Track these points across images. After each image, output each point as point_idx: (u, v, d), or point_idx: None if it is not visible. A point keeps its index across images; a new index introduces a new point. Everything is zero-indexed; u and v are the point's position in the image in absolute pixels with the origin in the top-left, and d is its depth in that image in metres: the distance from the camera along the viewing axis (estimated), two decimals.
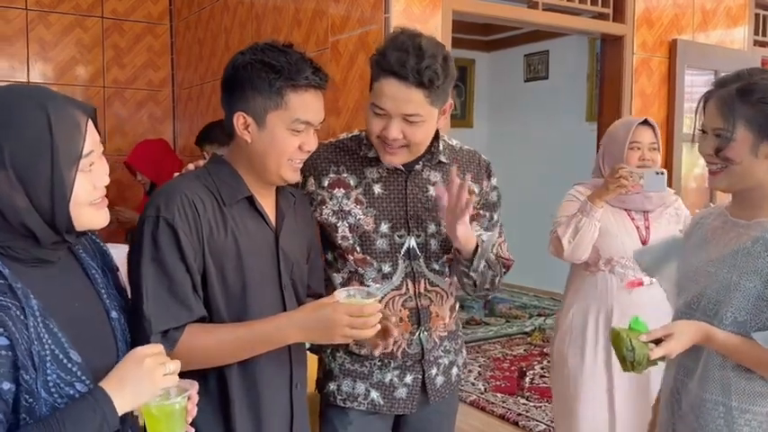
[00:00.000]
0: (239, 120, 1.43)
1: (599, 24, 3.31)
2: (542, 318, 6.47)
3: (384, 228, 1.71)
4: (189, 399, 1.18)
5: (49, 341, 1.08)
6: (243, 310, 1.43)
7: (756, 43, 4.01)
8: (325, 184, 1.71)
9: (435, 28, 2.71)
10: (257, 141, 1.43)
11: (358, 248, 1.70)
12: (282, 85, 1.40)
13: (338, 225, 1.70)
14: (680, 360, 1.55)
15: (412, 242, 1.72)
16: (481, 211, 1.82)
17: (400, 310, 1.74)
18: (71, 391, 1.09)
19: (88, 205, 1.14)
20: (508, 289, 7.57)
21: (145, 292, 1.33)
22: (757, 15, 3.99)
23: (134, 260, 1.38)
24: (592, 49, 6.47)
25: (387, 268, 1.72)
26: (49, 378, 1.07)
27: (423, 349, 1.78)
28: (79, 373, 1.11)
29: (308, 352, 1.70)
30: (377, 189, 1.71)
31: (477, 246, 1.68)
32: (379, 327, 1.40)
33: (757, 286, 1.42)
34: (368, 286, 1.69)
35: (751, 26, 3.93)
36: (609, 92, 3.39)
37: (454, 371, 1.90)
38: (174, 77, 4.82)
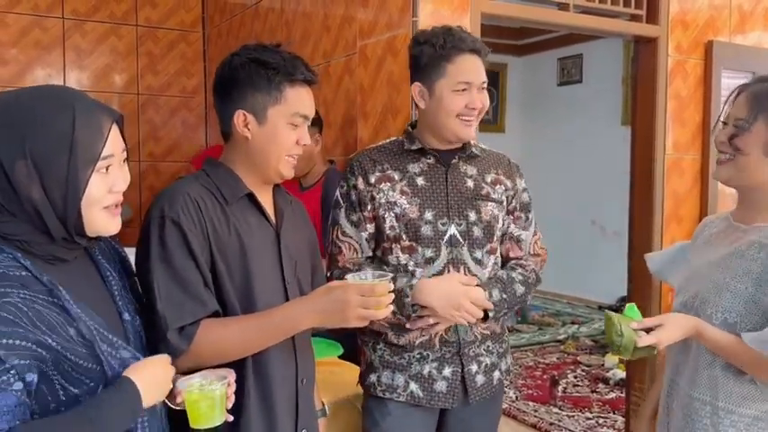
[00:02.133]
0: (239, 118, 1.49)
1: (632, 26, 3.24)
2: (576, 326, 6.37)
3: (428, 215, 1.84)
4: (228, 385, 1.22)
5: (90, 321, 1.13)
6: (251, 305, 1.45)
7: None
8: (372, 180, 1.87)
9: None
10: (258, 137, 1.49)
11: (404, 236, 1.84)
12: (281, 80, 1.47)
13: (386, 216, 1.85)
14: (673, 359, 1.62)
15: (453, 230, 1.84)
16: (517, 212, 1.98)
17: None
18: (125, 355, 1.16)
19: (101, 209, 1.16)
20: (541, 296, 7.48)
21: (157, 291, 1.35)
22: None
23: (143, 262, 1.40)
24: (627, 52, 6.37)
25: (430, 253, 1.83)
26: (104, 348, 1.12)
27: (460, 340, 1.84)
28: (125, 353, 1.17)
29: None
30: (420, 181, 1.87)
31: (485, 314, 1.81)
32: (392, 307, 1.42)
33: (748, 288, 1.45)
34: (412, 273, 1.81)
35: None
36: (643, 95, 3.32)
37: (496, 374, 1.93)
38: (206, 84, 4.87)
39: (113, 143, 1.16)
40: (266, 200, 1.57)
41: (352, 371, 2.54)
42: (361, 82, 2.93)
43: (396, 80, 2.70)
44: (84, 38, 4.49)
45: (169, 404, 1.27)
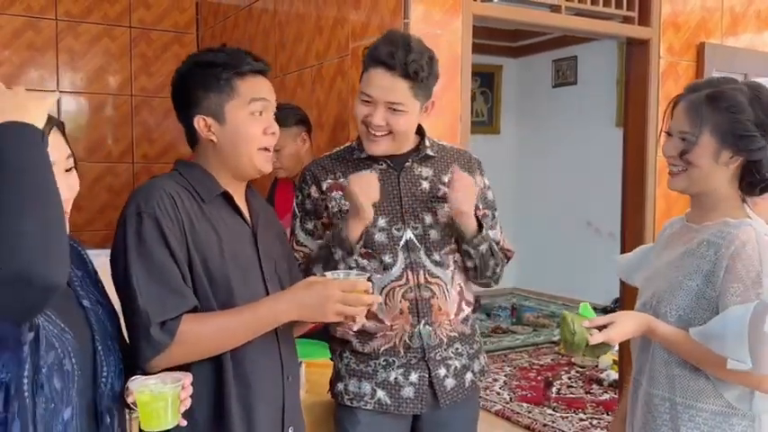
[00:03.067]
0: (200, 123, 1.48)
1: (624, 28, 3.25)
2: None
3: (381, 222, 1.82)
4: (183, 388, 1.19)
5: (41, 317, 1.10)
6: (230, 302, 1.44)
7: None
8: (324, 188, 1.86)
9: (456, 33, 2.69)
10: (223, 137, 1.48)
11: (359, 243, 1.78)
12: (229, 76, 1.47)
13: (339, 224, 1.80)
14: (637, 358, 1.65)
15: (409, 234, 1.83)
16: (481, 210, 1.93)
17: (400, 302, 1.81)
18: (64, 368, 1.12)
19: None
20: (536, 297, 7.49)
21: (137, 287, 1.34)
22: None
23: (120, 259, 1.38)
24: (621, 53, 6.38)
25: (387, 259, 1.82)
26: (48, 354, 1.09)
27: (424, 344, 1.82)
28: (69, 349, 1.14)
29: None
30: None
31: (479, 227, 1.83)
32: (372, 302, 1.43)
33: (699, 285, 1.49)
34: (369, 280, 1.73)
35: None
36: (634, 97, 3.33)
37: (468, 376, 1.91)
38: None
39: (54, 149, 1.14)
40: (240, 199, 1.57)
41: None
42: (354, 83, 2.92)
43: None
44: (78, 39, 4.48)
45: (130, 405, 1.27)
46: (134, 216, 1.38)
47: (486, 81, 7.56)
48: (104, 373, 1.22)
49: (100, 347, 1.22)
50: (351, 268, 1.79)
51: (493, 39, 7.05)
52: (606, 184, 5.62)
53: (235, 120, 1.48)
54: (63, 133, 1.20)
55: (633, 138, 3.35)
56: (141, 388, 1.18)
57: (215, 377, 1.43)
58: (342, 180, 1.83)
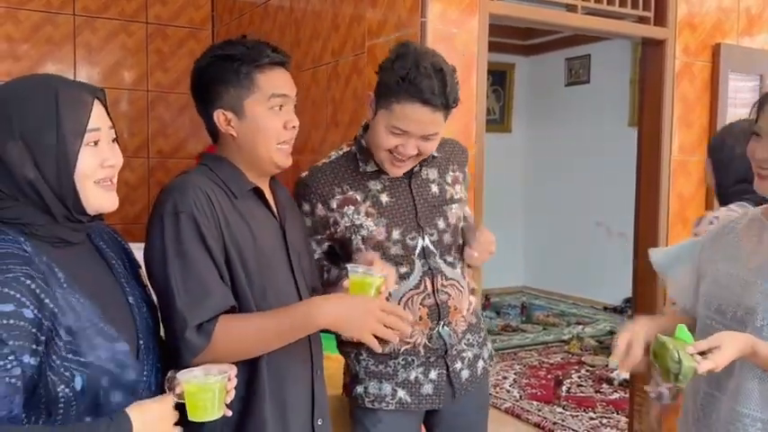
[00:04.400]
0: (220, 117, 1.47)
1: (640, 28, 3.25)
2: (581, 326, 6.38)
3: (396, 234, 1.78)
4: (228, 380, 1.22)
5: (86, 310, 1.14)
6: (264, 298, 1.45)
7: None
8: (334, 206, 1.78)
9: (472, 32, 2.70)
10: (242, 132, 1.48)
11: (380, 256, 1.74)
12: (249, 69, 1.45)
13: (352, 239, 1.77)
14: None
15: (426, 241, 1.80)
16: (465, 196, 1.95)
17: (419, 309, 1.80)
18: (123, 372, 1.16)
19: (94, 184, 1.18)
20: (546, 296, 7.49)
21: (175, 287, 1.34)
22: None
23: (157, 258, 1.37)
24: (635, 53, 6.37)
25: (403, 269, 1.78)
26: (95, 342, 1.12)
27: (445, 344, 1.84)
28: (119, 346, 1.17)
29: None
30: (384, 198, 1.79)
31: None
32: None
33: None
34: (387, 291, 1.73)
35: None
36: (650, 97, 3.33)
37: (480, 364, 1.95)
38: None
39: (98, 117, 1.18)
40: (267, 193, 1.57)
41: None
42: (370, 81, 2.94)
43: None
44: (95, 34, 4.52)
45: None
46: (171, 215, 1.37)
47: (498, 79, 7.55)
48: (145, 372, 1.24)
49: (142, 345, 1.24)
50: None
51: (505, 37, 7.04)
52: (617, 183, 5.62)
53: (254, 114, 1.46)
54: (104, 104, 1.22)
55: (648, 138, 3.35)
56: (189, 378, 1.20)
57: (249, 369, 1.44)
58: (352, 193, 1.77)
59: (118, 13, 4.56)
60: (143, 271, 1.39)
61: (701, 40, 3.38)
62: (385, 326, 1.40)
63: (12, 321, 1.04)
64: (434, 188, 1.84)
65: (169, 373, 1.31)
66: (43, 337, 1.08)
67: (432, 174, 1.85)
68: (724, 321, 1.46)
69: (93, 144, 1.17)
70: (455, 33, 2.67)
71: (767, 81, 3.63)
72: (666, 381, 1.33)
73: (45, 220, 1.15)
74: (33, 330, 1.07)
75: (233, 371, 1.23)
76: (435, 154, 1.85)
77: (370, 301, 1.39)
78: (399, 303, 1.78)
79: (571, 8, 3.03)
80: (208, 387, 1.19)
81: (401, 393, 1.83)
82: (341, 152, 1.86)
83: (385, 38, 2.83)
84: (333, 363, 2.51)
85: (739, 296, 1.45)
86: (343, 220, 1.77)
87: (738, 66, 3.47)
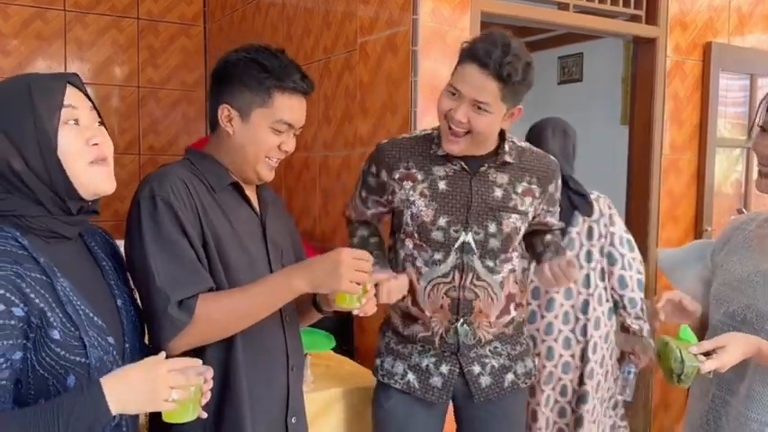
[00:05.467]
0: (224, 111, 1.50)
1: (631, 27, 3.26)
2: None
3: (442, 221, 1.83)
4: (205, 381, 1.21)
5: (79, 303, 1.14)
6: (239, 285, 1.46)
7: None
8: (396, 176, 1.87)
9: (464, 29, 2.70)
10: (239, 134, 1.50)
11: (416, 235, 1.85)
12: (272, 85, 1.47)
13: (404, 212, 1.87)
14: (719, 374, 1.44)
15: (468, 238, 1.83)
16: (550, 208, 1.97)
17: (442, 297, 1.84)
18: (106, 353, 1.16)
19: (85, 164, 1.17)
20: None
21: (154, 268, 1.35)
22: None
23: (135, 243, 1.38)
24: (627, 51, 6.38)
25: (438, 256, 1.84)
26: (90, 333, 1.13)
27: (459, 342, 1.86)
28: (111, 339, 1.18)
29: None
30: (441, 185, 1.84)
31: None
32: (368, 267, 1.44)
33: None
34: (419, 270, 1.85)
35: None
36: (641, 95, 3.34)
37: (509, 377, 1.94)
38: (207, 78, 4.87)
39: (73, 96, 1.18)
40: (250, 190, 1.59)
41: (347, 365, 2.57)
42: (361, 78, 2.94)
43: (395, 77, 2.72)
44: (86, 30, 4.49)
45: None
46: (148, 199, 1.39)
47: None
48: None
49: (128, 347, 1.24)
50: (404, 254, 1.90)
51: None
52: (609, 180, 5.62)
53: (256, 125, 1.49)
54: (80, 89, 1.22)
55: (639, 136, 3.36)
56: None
57: (223, 366, 1.45)
58: (414, 171, 1.85)
59: (109, 8, 4.54)
60: (129, 274, 1.39)
61: (692, 38, 3.40)
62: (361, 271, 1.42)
63: (2, 322, 1.05)
64: (498, 192, 1.84)
65: None
66: (32, 335, 1.09)
67: (501, 178, 1.85)
68: (734, 324, 1.44)
69: (73, 122, 1.17)
70: (447, 31, 2.67)
71: (758, 80, 3.65)
72: (669, 381, 1.32)
73: (38, 211, 1.15)
74: (23, 326, 1.08)
75: (209, 373, 1.23)
76: (510, 160, 1.85)
77: (339, 251, 1.40)
78: (426, 287, 1.85)
79: (563, 6, 3.04)
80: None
81: (410, 376, 1.91)
82: (424, 132, 1.93)
83: (377, 35, 2.83)
84: (321, 361, 2.51)
85: (750, 298, 1.44)
86: (400, 193, 1.86)
87: (729, 64, 3.48)
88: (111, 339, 1.18)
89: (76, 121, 1.17)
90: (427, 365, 1.90)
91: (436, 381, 1.89)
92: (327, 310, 1.62)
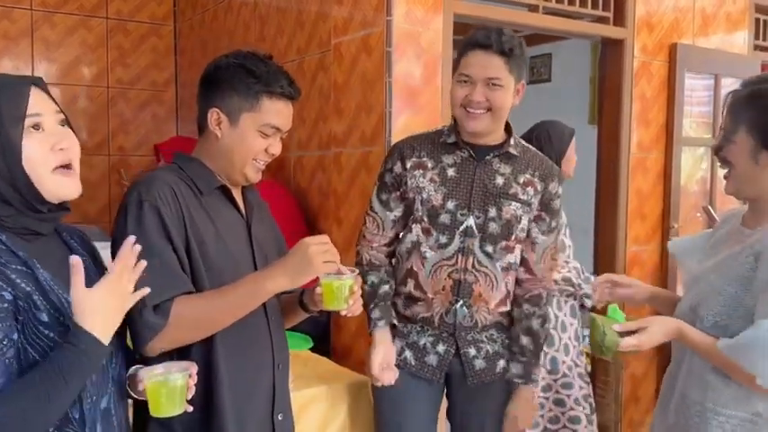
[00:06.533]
0: (213, 115, 1.54)
1: (599, 28, 3.32)
2: None
3: (450, 205, 1.96)
4: (190, 377, 1.25)
5: (60, 291, 1.17)
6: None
7: (757, 48, 4.02)
8: (408, 166, 2.00)
9: (437, 31, 2.73)
10: (227, 137, 1.54)
11: (426, 219, 1.96)
12: (260, 90, 1.51)
13: (415, 198, 1.98)
14: (675, 356, 1.63)
15: (471, 221, 1.94)
16: (540, 213, 2.00)
17: (445, 279, 1.96)
18: None
19: (49, 171, 1.18)
20: None
21: None
22: (758, 20, 4.00)
23: (119, 244, 1.38)
24: (594, 52, 6.49)
25: (443, 239, 1.96)
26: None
27: (456, 323, 1.96)
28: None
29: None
30: (450, 172, 1.97)
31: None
32: (360, 301, 1.53)
33: (737, 291, 1.44)
34: (422, 255, 1.97)
35: (751, 31, 3.94)
36: (609, 95, 3.41)
37: (501, 363, 2.04)
38: (177, 78, 4.84)
39: (38, 102, 1.18)
40: (237, 193, 1.62)
41: (325, 363, 2.59)
42: (336, 79, 2.95)
43: (370, 78, 2.74)
44: (53, 30, 4.43)
45: (131, 393, 1.32)
46: (135, 204, 1.42)
47: None
48: (113, 364, 1.28)
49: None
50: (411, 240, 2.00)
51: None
52: (578, 180, 5.72)
53: (244, 128, 1.53)
54: (45, 91, 1.22)
55: (607, 136, 3.43)
56: (152, 376, 1.23)
57: (207, 365, 1.46)
58: (425, 159, 1.99)
59: (77, 7, 4.48)
60: (106, 264, 1.40)
61: (659, 39, 3.48)
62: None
63: None
64: (500, 179, 1.96)
65: (131, 370, 1.33)
66: (21, 317, 1.12)
67: (504, 168, 1.97)
68: (692, 316, 1.52)
69: (37, 129, 1.17)
70: (420, 32, 2.70)
71: (721, 80, 3.75)
72: (596, 353, 1.53)
73: (9, 211, 1.17)
74: (13, 309, 1.11)
75: (194, 368, 1.26)
76: (515, 153, 1.98)
77: (300, 243, 1.43)
78: (431, 271, 1.97)
79: (533, 8, 3.09)
80: (169, 384, 1.22)
81: (407, 353, 2.02)
82: (438, 127, 2.09)
83: (351, 36, 2.85)
84: (300, 359, 2.53)
85: (697, 288, 1.56)
86: (411, 182, 1.98)
87: (694, 65, 3.57)
88: None
89: (41, 128, 1.18)
90: (424, 344, 2.00)
91: (432, 359, 1.99)
92: (314, 309, 1.64)
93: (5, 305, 1.09)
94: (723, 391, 1.46)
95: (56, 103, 1.23)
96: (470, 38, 1.90)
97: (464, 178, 1.96)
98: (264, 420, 1.59)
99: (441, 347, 2.00)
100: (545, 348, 2.49)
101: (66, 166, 1.21)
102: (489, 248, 1.95)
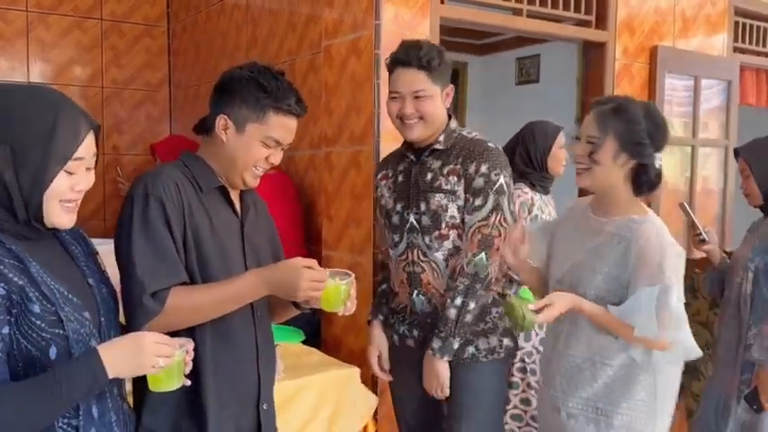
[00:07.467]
0: (221, 121, 1.63)
1: (582, 31, 3.43)
2: None
3: (398, 207, 2.17)
4: (187, 353, 1.32)
5: (53, 283, 1.24)
6: (211, 281, 1.59)
7: (736, 50, 4.13)
8: (379, 178, 2.28)
9: (424, 33, 2.82)
10: (232, 143, 1.63)
11: (385, 222, 2.22)
12: (268, 104, 1.60)
13: (379, 205, 2.27)
14: (552, 330, 2.00)
15: (412, 218, 2.13)
16: (467, 195, 2.08)
17: (401, 272, 2.18)
18: (82, 329, 1.26)
19: (59, 203, 1.27)
20: None
21: (137, 259, 1.48)
22: (737, 23, 4.11)
23: (123, 234, 1.52)
24: (581, 54, 6.60)
25: (396, 238, 2.18)
26: (66, 309, 1.24)
27: (417, 310, 2.15)
28: (86, 314, 1.28)
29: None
30: (399, 177, 2.19)
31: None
32: (351, 307, 1.62)
33: (612, 270, 1.83)
34: (391, 253, 2.20)
35: (731, 33, 4.05)
36: (592, 96, 3.49)
37: (470, 349, 2.13)
38: (171, 79, 4.92)
39: (86, 148, 1.28)
40: (234, 193, 1.72)
41: (315, 355, 2.68)
42: (326, 80, 3.04)
43: (359, 79, 2.83)
44: (48, 30, 4.50)
45: None
46: (141, 197, 1.52)
47: (452, 77, 7.68)
48: None
49: (104, 321, 1.34)
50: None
51: (458, 36, 7.19)
52: (566, 178, 5.81)
53: (249, 137, 1.62)
54: (96, 134, 1.31)
55: None
56: None
57: (195, 352, 1.53)
58: (388, 171, 2.24)
59: (72, 9, 4.56)
60: (99, 257, 1.50)
61: (640, 42, 3.58)
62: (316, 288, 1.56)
63: None
64: (429, 175, 2.12)
65: None
66: (14, 310, 1.19)
67: (434, 164, 2.13)
68: (561, 287, 1.90)
69: (72, 170, 1.26)
70: (408, 36, 2.78)
71: (701, 81, 3.86)
72: (516, 330, 1.81)
73: (8, 218, 1.25)
74: (6, 303, 1.18)
75: (190, 344, 1.34)
76: (440, 147, 2.12)
77: (299, 270, 1.53)
78: (395, 265, 2.20)
79: (517, 12, 3.18)
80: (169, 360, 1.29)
81: (395, 337, 2.26)
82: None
83: (341, 38, 2.93)
84: (292, 352, 2.61)
85: (572, 270, 1.90)
86: (379, 192, 2.27)
87: (674, 67, 3.68)
88: (86, 314, 1.29)
89: (75, 169, 1.27)
90: (403, 331, 2.22)
91: (410, 342, 2.20)
92: (307, 307, 1.73)
93: None
94: (604, 345, 1.85)
95: (98, 145, 1.32)
96: (394, 56, 2.08)
97: (406, 180, 2.17)
98: (249, 408, 1.68)
99: (415, 333, 2.19)
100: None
101: (74, 201, 1.30)
102: (427, 240, 2.11)
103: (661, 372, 1.85)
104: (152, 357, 1.24)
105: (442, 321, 2.05)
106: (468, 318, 2.05)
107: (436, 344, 2.06)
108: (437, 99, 2.07)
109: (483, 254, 2.03)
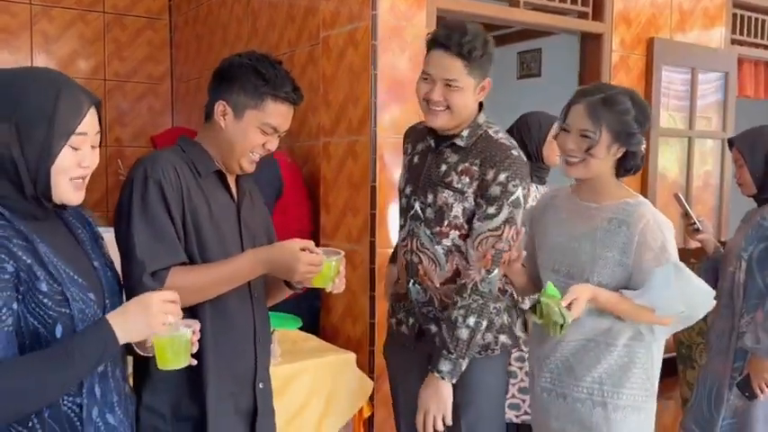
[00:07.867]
0: (219, 107, 1.67)
1: (579, 23, 3.45)
2: None
3: (407, 190, 2.11)
4: (193, 333, 1.37)
5: (59, 263, 1.28)
6: (209, 262, 1.64)
7: (734, 42, 4.14)
8: (404, 145, 2.20)
9: (420, 25, 2.85)
10: (230, 129, 1.68)
11: (399, 200, 2.15)
12: (266, 91, 1.64)
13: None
14: (539, 341, 1.97)
15: (417, 206, 2.06)
16: (479, 200, 1.96)
17: (402, 259, 2.12)
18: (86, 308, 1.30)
19: (68, 180, 1.30)
20: None
21: (136, 240, 1.53)
22: (735, 15, 4.12)
23: (123, 217, 1.57)
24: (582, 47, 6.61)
25: (401, 221, 2.13)
26: (71, 289, 1.28)
27: (412, 298, 2.10)
28: (91, 295, 1.32)
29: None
30: (415, 159, 2.11)
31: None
32: (340, 284, 1.68)
33: (615, 255, 1.83)
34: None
35: (728, 25, 4.06)
36: None
37: None
38: (173, 71, 4.96)
39: (89, 123, 1.31)
40: (231, 179, 1.76)
41: (312, 341, 2.72)
42: (324, 71, 3.08)
43: (356, 70, 2.86)
44: (52, 23, 4.55)
45: (136, 350, 1.43)
46: (141, 180, 1.57)
47: None
48: None
49: (108, 304, 1.38)
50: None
51: None
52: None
53: (247, 124, 1.67)
54: (99, 111, 1.35)
55: None
56: (159, 332, 1.33)
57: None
58: (407, 145, 2.17)
59: (75, 2, 4.60)
60: (104, 242, 1.53)
61: (636, 34, 3.60)
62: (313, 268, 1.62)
63: None
64: (443, 167, 2.02)
65: None
66: (22, 287, 1.23)
67: (451, 157, 2.02)
68: (558, 278, 1.89)
69: (76, 145, 1.30)
70: (404, 26, 2.82)
71: (698, 74, 3.88)
72: (553, 333, 1.72)
73: (18, 196, 1.28)
74: (14, 281, 1.22)
75: (197, 325, 1.38)
76: (461, 144, 1.99)
77: (297, 252, 1.58)
78: (399, 250, 2.15)
79: (514, 3, 3.21)
80: (175, 340, 1.34)
81: (392, 321, 2.22)
82: None
83: (338, 29, 2.97)
84: (289, 337, 2.66)
85: (572, 259, 1.90)
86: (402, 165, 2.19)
87: (671, 59, 3.70)
88: (91, 295, 1.32)
89: (80, 145, 1.30)
90: (400, 318, 2.17)
91: (404, 329, 2.15)
92: (298, 286, 1.77)
93: (7, 276, 1.20)
94: (606, 327, 1.87)
95: (101, 124, 1.36)
96: (435, 34, 1.95)
97: (421, 164, 2.07)
98: (246, 387, 1.73)
99: (410, 321, 2.13)
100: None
101: (82, 179, 1.34)
102: (428, 232, 2.03)
103: (654, 349, 1.91)
104: (161, 315, 1.28)
105: (452, 341, 1.92)
106: (479, 337, 1.97)
107: (445, 366, 1.92)
108: (469, 92, 1.94)
109: (497, 270, 1.94)
